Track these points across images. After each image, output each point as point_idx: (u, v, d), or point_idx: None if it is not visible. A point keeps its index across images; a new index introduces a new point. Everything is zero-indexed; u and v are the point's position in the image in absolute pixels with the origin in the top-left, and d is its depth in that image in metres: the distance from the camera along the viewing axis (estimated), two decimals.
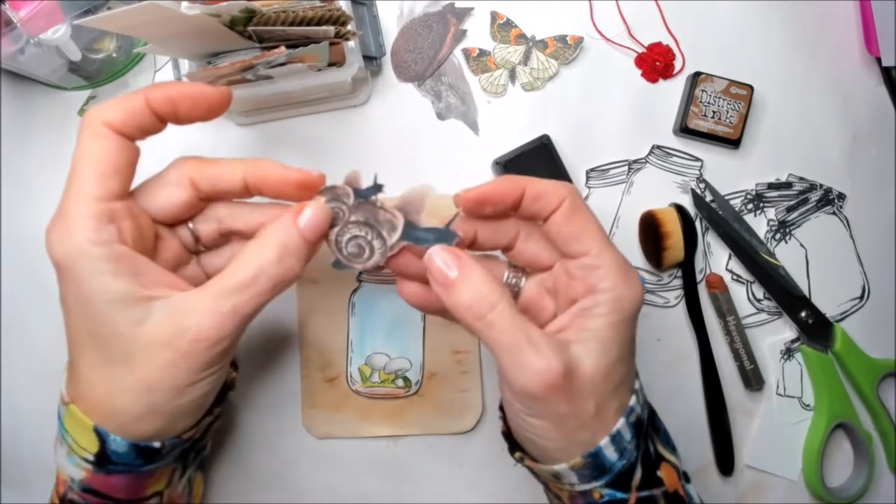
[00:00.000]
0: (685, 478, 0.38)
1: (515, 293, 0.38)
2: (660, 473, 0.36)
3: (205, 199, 0.36)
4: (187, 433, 0.36)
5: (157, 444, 0.34)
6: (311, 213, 0.34)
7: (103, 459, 0.34)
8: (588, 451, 0.34)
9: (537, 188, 0.35)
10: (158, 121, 0.34)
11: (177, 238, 0.37)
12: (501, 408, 0.42)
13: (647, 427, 0.37)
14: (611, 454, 0.34)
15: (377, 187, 0.35)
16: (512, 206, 0.35)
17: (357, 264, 0.36)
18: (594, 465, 0.34)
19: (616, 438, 0.34)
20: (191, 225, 0.37)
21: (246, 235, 0.38)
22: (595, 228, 0.35)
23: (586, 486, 0.35)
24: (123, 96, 0.33)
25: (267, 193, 0.36)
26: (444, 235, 0.35)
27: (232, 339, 0.33)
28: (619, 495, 0.35)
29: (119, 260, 0.32)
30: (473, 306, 0.33)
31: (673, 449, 0.38)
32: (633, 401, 0.35)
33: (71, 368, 0.35)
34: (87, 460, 0.34)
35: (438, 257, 0.34)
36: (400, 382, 0.49)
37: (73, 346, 0.34)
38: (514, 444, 0.39)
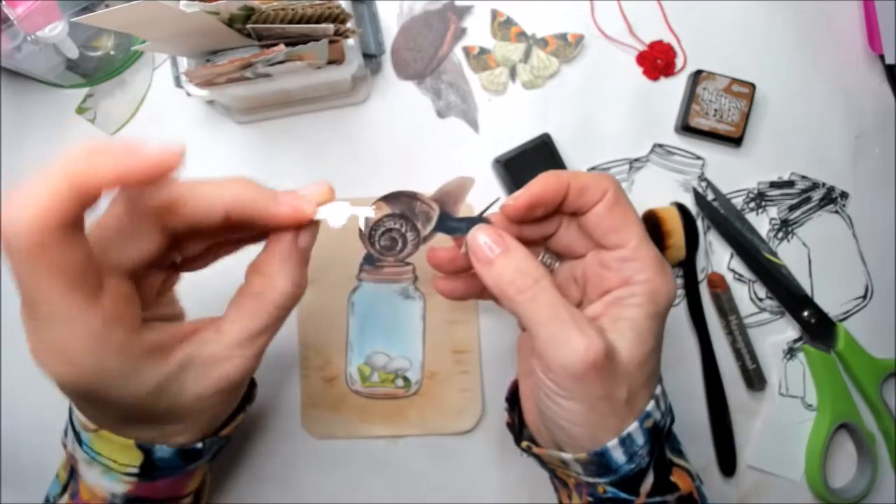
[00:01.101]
0: (699, 479, 0.38)
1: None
2: (673, 478, 0.35)
3: (183, 239, 0.33)
4: (225, 430, 0.37)
5: (199, 445, 0.35)
6: (310, 231, 0.34)
7: (149, 468, 0.34)
8: (595, 449, 0.33)
9: (581, 182, 0.35)
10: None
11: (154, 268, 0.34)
12: (507, 399, 0.41)
13: (666, 434, 0.36)
14: (618, 456, 0.33)
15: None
16: (560, 204, 0.35)
17: (390, 256, 0.37)
18: (599, 464, 0.34)
19: (626, 441, 0.33)
20: (178, 258, 0.35)
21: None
22: (635, 221, 0.35)
23: (591, 480, 0.35)
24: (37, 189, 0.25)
25: (255, 229, 0.33)
26: (477, 224, 0.35)
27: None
28: (624, 496, 0.35)
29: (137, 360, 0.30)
30: (517, 280, 0.33)
31: (680, 452, 0.38)
32: (650, 406, 0.34)
33: None
34: (130, 474, 0.34)
35: (481, 236, 0.34)
36: (400, 382, 0.48)
37: None
38: (518, 436, 0.39)
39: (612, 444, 0.33)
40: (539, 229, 0.37)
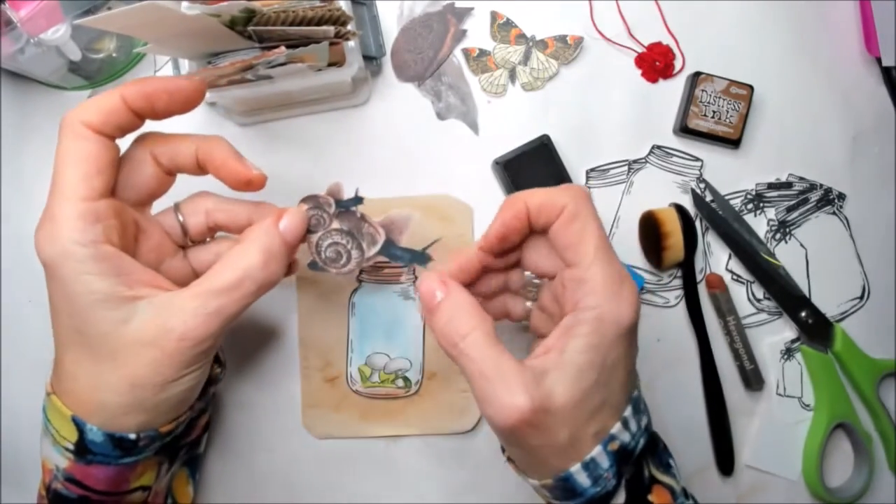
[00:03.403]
0: (684, 494, 0.36)
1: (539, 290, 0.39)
2: (651, 497, 0.35)
3: (170, 174, 0.37)
4: (165, 427, 0.36)
5: (132, 436, 0.35)
6: (289, 218, 0.36)
7: (82, 449, 0.35)
8: (558, 475, 0.33)
9: (536, 200, 0.34)
10: (136, 118, 0.34)
11: (158, 229, 0.38)
12: None
13: (641, 453, 0.35)
14: (583, 480, 0.33)
15: (358, 199, 0.38)
16: (529, 226, 0.35)
17: (332, 269, 0.38)
18: (564, 488, 0.33)
19: (589, 465, 0.33)
20: (181, 217, 0.38)
21: (231, 230, 0.39)
22: (591, 237, 0.33)
23: (559, 503, 0.35)
24: (99, 96, 0.34)
25: (213, 174, 0.37)
26: (418, 257, 0.38)
27: (215, 339, 0.34)
28: None
29: (104, 260, 0.32)
30: (446, 334, 0.33)
31: (667, 467, 0.36)
32: (616, 428, 0.33)
33: (56, 363, 0.35)
34: (68, 450, 0.35)
35: (426, 283, 0.34)
36: (400, 382, 0.49)
37: (58, 343, 0.35)
38: None
39: (576, 468, 0.33)
40: (502, 260, 0.37)
